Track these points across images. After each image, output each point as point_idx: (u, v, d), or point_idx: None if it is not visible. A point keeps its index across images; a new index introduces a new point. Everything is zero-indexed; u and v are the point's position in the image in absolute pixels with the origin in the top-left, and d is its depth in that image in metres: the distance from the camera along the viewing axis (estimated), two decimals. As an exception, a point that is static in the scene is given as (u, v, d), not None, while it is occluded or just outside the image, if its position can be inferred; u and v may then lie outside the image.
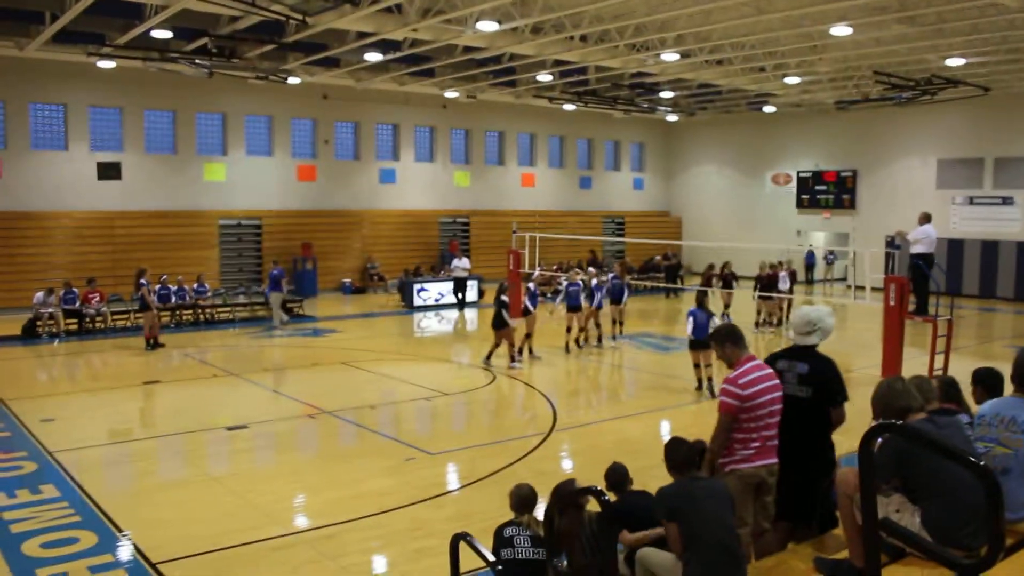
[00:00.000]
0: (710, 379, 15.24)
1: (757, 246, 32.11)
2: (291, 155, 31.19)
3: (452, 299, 28.22)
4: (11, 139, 25.75)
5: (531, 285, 19.60)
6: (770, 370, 6.16)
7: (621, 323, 21.07)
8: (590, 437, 12.65)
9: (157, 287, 22.44)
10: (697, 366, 15.39)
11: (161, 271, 23.95)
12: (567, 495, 6.09)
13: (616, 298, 20.77)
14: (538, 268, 24.60)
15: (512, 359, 17.54)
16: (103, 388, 16.12)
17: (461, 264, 28.11)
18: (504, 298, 17.49)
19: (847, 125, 34.56)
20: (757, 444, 5.98)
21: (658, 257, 34.65)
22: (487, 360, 17.63)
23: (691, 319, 15.12)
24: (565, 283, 19.75)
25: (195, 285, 24.31)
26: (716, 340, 6.40)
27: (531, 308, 18.87)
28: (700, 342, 14.84)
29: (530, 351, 18.58)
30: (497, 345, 17.61)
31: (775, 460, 6.09)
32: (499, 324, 17.40)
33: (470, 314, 27.25)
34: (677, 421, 13.72)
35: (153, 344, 19.77)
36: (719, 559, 5.14)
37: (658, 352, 20.10)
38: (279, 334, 22.25)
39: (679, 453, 5.60)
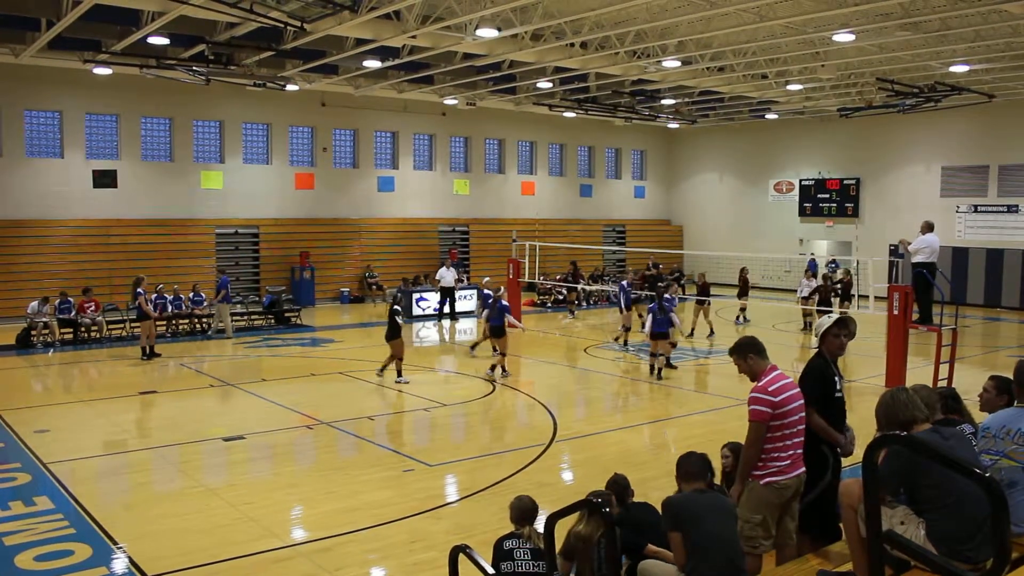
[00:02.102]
0: (661, 368, 17.68)
1: (759, 255, 32.09)
2: (289, 163, 31.07)
3: (449, 308, 27.90)
4: (6, 146, 25.57)
5: (500, 299, 18.52)
6: (790, 379, 6.09)
7: (627, 328, 21.32)
8: (591, 448, 12.50)
9: (153, 296, 22.26)
10: (654, 355, 17.83)
11: (157, 280, 23.78)
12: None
13: (627, 305, 21.52)
14: (482, 278, 24.21)
15: (399, 373, 17.01)
16: (98, 398, 15.93)
17: (449, 274, 27.81)
18: (397, 307, 17.28)
19: (850, 132, 34.48)
20: (791, 453, 5.95)
21: (658, 266, 34.40)
22: (381, 372, 17.18)
23: (650, 314, 17.51)
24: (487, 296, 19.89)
25: (191, 294, 24.09)
26: (737, 353, 6.26)
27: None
28: (660, 333, 17.57)
29: (503, 369, 17.61)
30: (393, 357, 17.07)
31: (804, 469, 6.08)
32: (392, 335, 16.98)
33: (462, 324, 27.02)
34: (679, 432, 13.65)
35: (149, 354, 19.61)
36: (722, 571, 5.18)
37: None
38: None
39: (690, 464, 5.67)
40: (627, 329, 21.75)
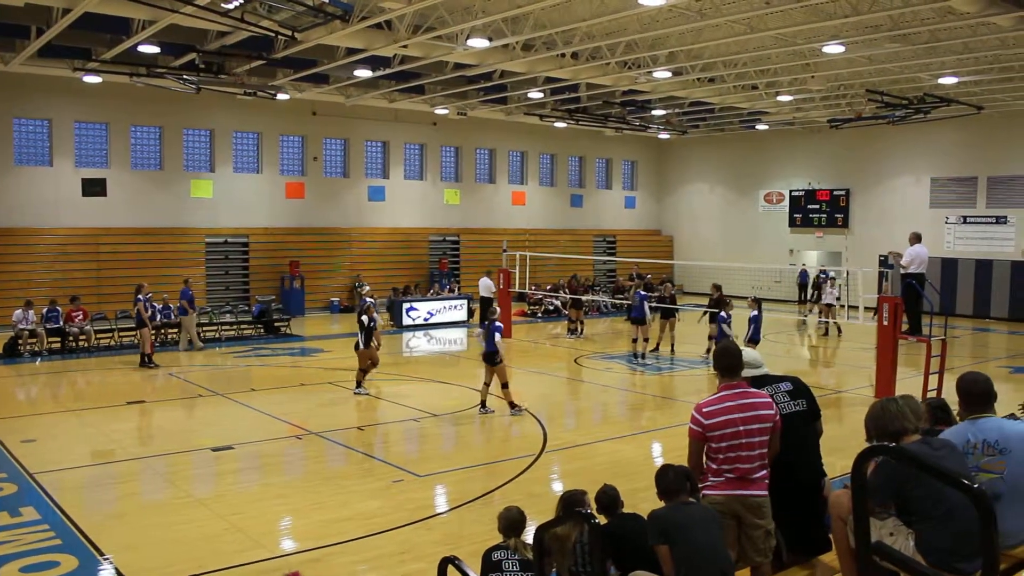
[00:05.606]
0: (643, 354, 20.51)
1: (749, 265, 32.16)
2: (279, 172, 31.03)
3: (444, 319, 27.88)
4: (-5, 155, 25.53)
5: (368, 300, 18.37)
6: (751, 400, 5.85)
7: (646, 339, 21.06)
8: (581, 458, 12.46)
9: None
10: (634, 340, 20.75)
11: (146, 290, 23.65)
12: (571, 504, 6.08)
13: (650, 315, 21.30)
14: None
15: (358, 384, 16.87)
16: (86, 408, 15.82)
17: (489, 284, 26.92)
18: (363, 319, 16.96)
19: (840, 144, 34.65)
20: (729, 475, 5.78)
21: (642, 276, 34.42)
22: (359, 388, 16.85)
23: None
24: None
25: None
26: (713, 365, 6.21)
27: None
28: (635, 319, 20.60)
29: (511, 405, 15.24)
30: (362, 369, 16.94)
31: (753, 492, 5.80)
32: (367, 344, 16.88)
33: (453, 335, 27.02)
34: (669, 443, 13.59)
35: (148, 362, 19.53)
36: (711, 583, 5.18)
37: (651, 373, 19.92)
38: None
39: (666, 479, 5.65)
40: (643, 340, 20.99)
